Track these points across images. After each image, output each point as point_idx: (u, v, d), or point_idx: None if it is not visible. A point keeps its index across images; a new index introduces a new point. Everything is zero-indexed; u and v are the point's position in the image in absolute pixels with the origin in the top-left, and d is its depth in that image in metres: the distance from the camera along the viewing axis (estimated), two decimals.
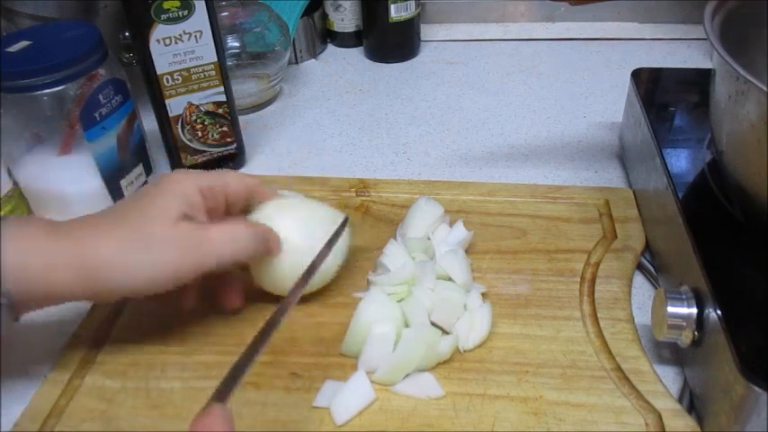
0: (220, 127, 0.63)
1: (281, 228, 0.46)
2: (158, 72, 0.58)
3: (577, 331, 0.47)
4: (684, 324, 0.41)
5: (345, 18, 0.88)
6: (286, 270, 0.46)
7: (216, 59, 0.59)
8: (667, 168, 0.51)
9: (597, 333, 0.47)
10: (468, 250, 0.53)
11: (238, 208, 0.48)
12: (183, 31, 0.57)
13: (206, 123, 0.62)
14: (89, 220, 0.43)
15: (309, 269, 0.45)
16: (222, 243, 0.43)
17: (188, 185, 0.44)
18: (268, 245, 0.45)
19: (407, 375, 0.43)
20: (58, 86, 0.52)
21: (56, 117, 0.54)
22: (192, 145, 0.63)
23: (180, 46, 0.57)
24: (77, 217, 0.44)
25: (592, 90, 0.79)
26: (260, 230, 0.45)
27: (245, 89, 0.75)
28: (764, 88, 0.38)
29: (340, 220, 0.49)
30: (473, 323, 0.46)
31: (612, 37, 0.89)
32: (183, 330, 0.48)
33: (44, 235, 0.41)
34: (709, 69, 0.47)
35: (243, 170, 0.67)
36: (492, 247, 0.54)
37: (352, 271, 0.52)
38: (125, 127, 0.58)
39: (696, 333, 0.41)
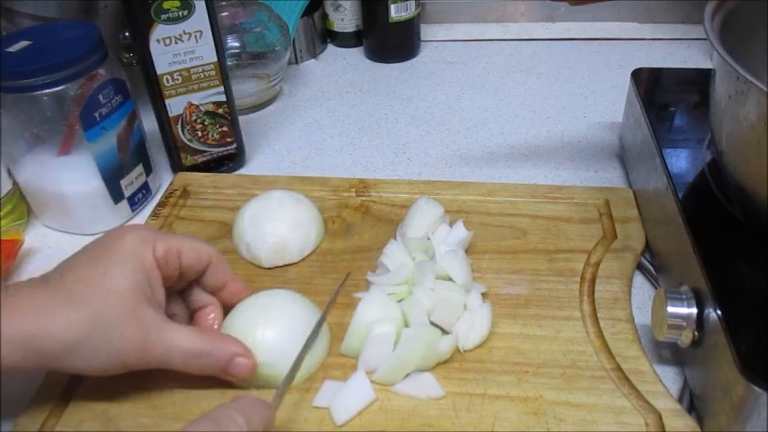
0: (220, 127, 0.63)
1: (257, 333, 0.43)
2: (158, 72, 0.58)
3: (577, 331, 0.47)
4: (684, 324, 0.41)
5: (345, 18, 0.88)
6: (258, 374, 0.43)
7: (216, 59, 0.59)
8: (667, 168, 0.51)
9: (597, 333, 0.47)
10: (468, 250, 0.53)
11: (192, 275, 0.45)
12: (183, 31, 0.57)
13: (206, 123, 0.62)
14: (41, 291, 0.39)
15: (285, 383, 0.41)
16: (179, 355, 0.41)
17: (146, 257, 0.41)
18: (228, 371, 0.42)
19: (407, 375, 0.43)
20: (57, 86, 0.52)
21: (56, 117, 0.54)
22: (191, 145, 0.63)
23: (180, 46, 0.57)
24: (28, 281, 0.40)
25: (592, 90, 0.79)
26: (226, 353, 0.41)
27: (245, 89, 0.75)
28: (764, 88, 0.38)
29: (315, 319, 0.45)
30: (473, 323, 0.46)
31: (612, 37, 0.89)
32: None
33: None
34: (709, 69, 0.47)
35: (243, 170, 0.67)
36: (492, 247, 0.54)
37: (352, 271, 0.52)
38: (125, 127, 0.58)
39: (696, 333, 0.41)
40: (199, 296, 0.46)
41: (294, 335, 0.44)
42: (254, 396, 0.38)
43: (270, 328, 0.43)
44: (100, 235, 0.44)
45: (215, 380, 0.44)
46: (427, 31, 0.91)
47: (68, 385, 0.44)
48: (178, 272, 0.43)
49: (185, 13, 0.56)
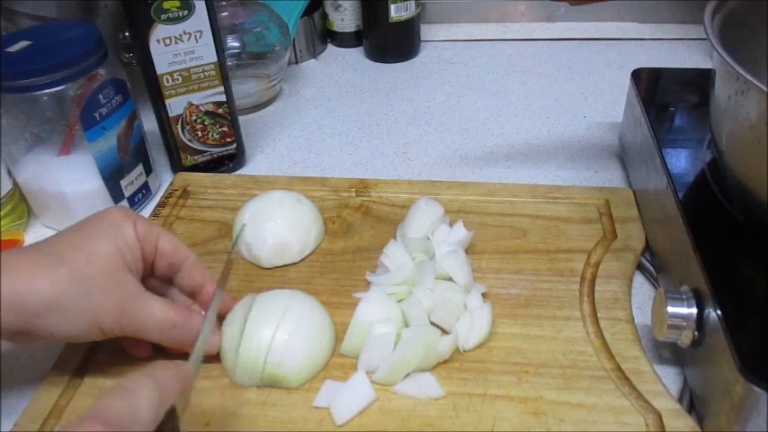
0: (220, 127, 0.63)
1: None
2: (158, 72, 0.58)
3: (577, 331, 0.47)
4: (684, 324, 0.41)
5: (345, 18, 0.88)
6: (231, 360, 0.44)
7: (216, 59, 0.59)
8: (667, 168, 0.51)
9: (597, 333, 0.47)
10: (468, 250, 0.53)
11: (166, 266, 0.45)
12: (183, 31, 0.57)
13: (206, 123, 0.62)
14: (26, 254, 0.40)
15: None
16: (154, 323, 0.42)
17: (127, 230, 0.42)
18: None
19: (407, 375, 0.43)
20: (58, 86, 0.52)
21: (56, 117, 0.54)
22: (191, 145, 0.63)
23: (180, 46, 0.57)
24: (14, 248, 0.41)
25: (592, 90, 0.79)
26: (196, 327, 0.42)
27: (245, 89, 0.75)
28: (764, 88, 0.38)
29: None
30: (473, 323, 0.46)
31: (612, 37, 0.89)
32: None
33: None
34: (709, 69, 0.47)
35: (243, 170, 0.67)
36: (492, 247, 0.54)
37: (352, 271, 0.52)
38: (125, 127, 0.58)
39: (696, 333, 0.41)
40: (178, 297, 0.47)
41: (299, 333, 0.44)
42: (163, 361, 0.39)
43: (275, 328, 0.43)
44: None
45: (215, 380, 0.44)
46: (427, 31, 0.91)
47: (68, 385, 0.44)
48: (153, 255, 0.44)
49: (185, 13, 0.56)
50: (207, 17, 0.57)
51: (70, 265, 0.40)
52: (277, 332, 0.43)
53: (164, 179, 0.66)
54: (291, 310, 0.44)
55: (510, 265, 0.52)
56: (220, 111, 0.62)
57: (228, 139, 0.65)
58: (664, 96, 0.62)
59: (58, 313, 0.39)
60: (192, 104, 0.61)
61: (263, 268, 0.53)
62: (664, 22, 0.90)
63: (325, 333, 0.45)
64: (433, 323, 0.46)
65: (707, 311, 0.40)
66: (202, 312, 0.46)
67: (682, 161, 0.52)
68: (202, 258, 0.52)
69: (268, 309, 0.45)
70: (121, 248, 0.42)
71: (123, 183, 0.59)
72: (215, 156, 0.65)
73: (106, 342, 0.47)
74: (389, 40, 0.87)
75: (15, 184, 0.58)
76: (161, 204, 0.60)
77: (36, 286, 0.39)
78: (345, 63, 0.88)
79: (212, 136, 0.64)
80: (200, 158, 0.64)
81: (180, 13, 0.56)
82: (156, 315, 0.42)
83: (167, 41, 0.57)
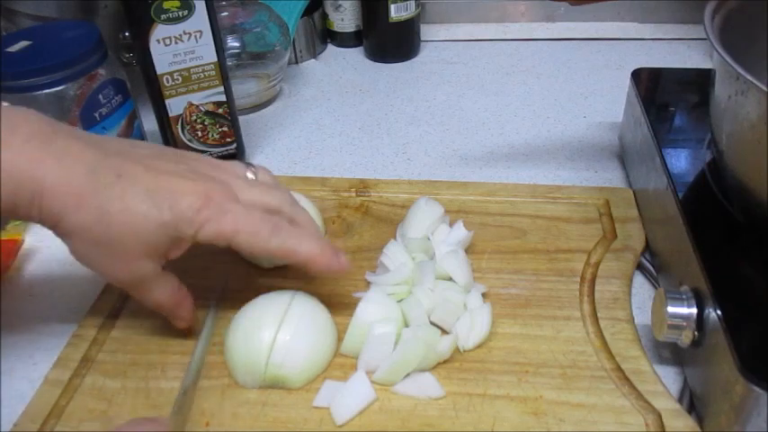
0: (220, 127, 0.63)
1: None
2: (158, 72, 0.58)
3: (577, 331, 0.47)
4: (684, 324, 0.41)
5: (345, 18, 0.88)
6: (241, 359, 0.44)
7: (216, 59, 0.59)
8: (667, 168, 0.51)
9: (597, 333, 0.47)
10: (468, 250, 0.53)
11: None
12: (183, 31, 0.57)
13: (206, 123, 0.62)
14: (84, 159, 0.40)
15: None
16: (151, 304, 0.44)
17: (187, 233, 0.41)
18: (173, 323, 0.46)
19: (407, 375, 0.43)
20: (58, 86, 0.52)
21: (56, 117, 0.53)
22: (191, 145, 0.63)
23: (180, 46, 0.57)
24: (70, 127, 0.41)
25: (592, 90, 0.79)
26: (177, 319, 0.46)
27: (245, 89, 0.75)
28: (764, 88, 0.38)
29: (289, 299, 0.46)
30: (473, 323, 0.46)
31: (612, 37, 0.89)
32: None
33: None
34: (709, 69, 0.47)
35: None
36: (492, 247, 0.54)
37: (352, 271, 0.52)
38: (125, 127, 0.58)
39: (696, 333, 0.41)
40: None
41: (301, 334, 0.44)
42: (141, 417, 0.40)
43: (276, 329, 0.43)
44: None
45: (215, 380, 0.44)
46: (427, 31, 0.91)
47: (68, 385, 0.44)
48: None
49: (185, 13, 0.56)
50: (207, 17, 0.57)
51: (108, 220, 0.39)
52: (278, 333, 0.43)
53: None
54: (292, 310, 0.44)
55: (510, 265, 0.52)
56: (220, 111, 0.62)
57: (228, 139, 0.65)
58: (664, 96, 0.62)
59: (71, 237, 0.39)
60: (192, 104, 0.61)
61: (263, 268, 0.53)
62: (664, 22, 0.90)
63: (327, 334, 0.45)
64: (433, 323, 0.46)
65: (707, 311, 0.40)
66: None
67: (682, 161, 0.52)
68: (201, 258, 0.52)
69: (269, 309, 0.45)
70: (159, 245, 0.41)
71: None
72: (215, 156, 0.65)
73: (107, 342, 0.47)
74: (389, 40, 0.87)
75: None
76: None
77: (69, 217, 0.38)
78: (345, 63, 0.88)
79: (212, 136, 0.64)
80: None
81: (180, 13, 0.56)
82: (152, 299, 0.43)
83: (167, 41, 0.57)
